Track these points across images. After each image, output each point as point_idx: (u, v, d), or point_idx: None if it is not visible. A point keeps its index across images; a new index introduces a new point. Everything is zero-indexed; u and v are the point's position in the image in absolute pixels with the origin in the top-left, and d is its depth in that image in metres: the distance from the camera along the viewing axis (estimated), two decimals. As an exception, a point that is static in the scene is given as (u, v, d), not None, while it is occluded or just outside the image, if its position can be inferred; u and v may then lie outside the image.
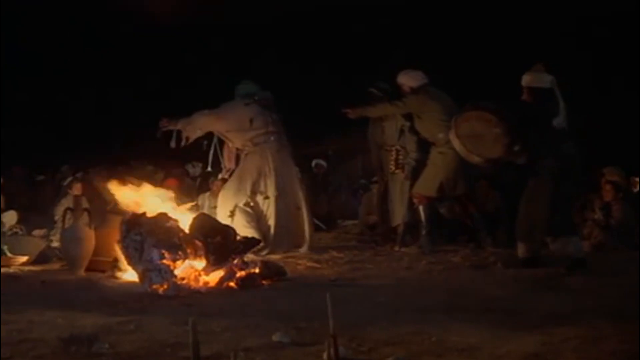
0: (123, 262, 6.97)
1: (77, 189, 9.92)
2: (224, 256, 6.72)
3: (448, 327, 4.89)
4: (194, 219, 7.07)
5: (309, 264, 7.91)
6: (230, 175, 9.23)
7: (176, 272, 6.52)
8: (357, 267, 7.74)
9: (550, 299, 5.88)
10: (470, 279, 6.88)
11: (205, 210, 9.43)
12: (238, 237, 7.10)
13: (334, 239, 10.32)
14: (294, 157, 9.31)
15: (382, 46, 15.04)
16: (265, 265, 6.96)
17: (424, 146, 8.84)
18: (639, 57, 13.58)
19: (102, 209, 8.77)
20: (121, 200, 7.58)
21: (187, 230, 6.88)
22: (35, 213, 10.48)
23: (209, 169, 9.79)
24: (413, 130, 8.91)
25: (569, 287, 6.38)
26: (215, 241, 6.75)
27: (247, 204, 8.80)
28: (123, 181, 7.77)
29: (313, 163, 13.19)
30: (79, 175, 10.87)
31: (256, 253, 7.84)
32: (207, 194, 10.76)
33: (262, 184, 8.88)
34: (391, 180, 9.20)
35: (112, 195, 7.79)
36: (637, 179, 10.39)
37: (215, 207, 9.35)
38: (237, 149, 9.19)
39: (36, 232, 9.42)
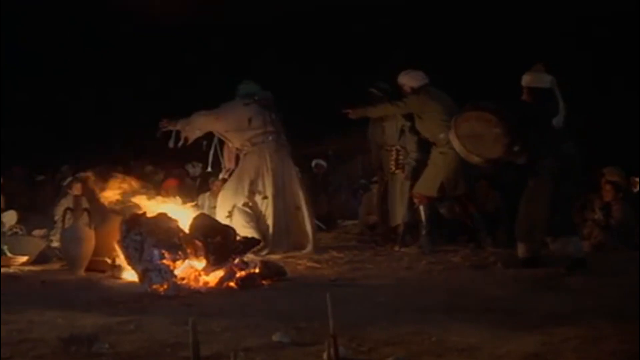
0: (123, 262, 6.97)
1: (77, 189, 9.90)
2: (224, 256, 6.72)
3: (448, 327, 4.89)
4: (194, 219, 7.07)
5: (309, 264, 7.91)
6: (230, 176, 9.23)
7: (176, 272, 6.52)
8: (357, 267, 7.74)
9: (550, 299, 5.88)
10: (470, 279, 6.88)
11: (205, 210, 9.43)
12: (238, 237, 7.10)
13: (334, 239, 10.31)
14: (293, 156, 9.30)
15: (382, 46, 15.04)
16: (265, 265, 6.96)
17: (424, 146, 8.84)
18: (639, 57, 13.58)
19: (102, 208, 8.76)
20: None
21: (187, 230, 6.88)
22: (35, 213, 10.47)
23: (209, 169, 9.79)
24: (413, 131, 8.91)
25: (569, 287, 6.38)
26: (215, 241, 6.75)
27: (245, 204, 8.79)
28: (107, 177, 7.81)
29: (313, 163, 13.19)
30: (79, 175, 10.86)
31: (256, 253, 7.84)
32: (207, 194, 10.77)
33: (260, 184, 8.87)
34: (391, 181, 9.20)
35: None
36: (637, 179, 10.38)
37: (215, 207, 9.35)
38: (237, 149, 9.20)
39: (36, 232, 9.42)
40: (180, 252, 6.63)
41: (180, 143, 8.95)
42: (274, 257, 8.18)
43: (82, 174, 10.29)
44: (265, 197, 8.84)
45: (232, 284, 6.56)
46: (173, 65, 16.05)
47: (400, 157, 9.06)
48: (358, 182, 12.57)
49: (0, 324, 5.11)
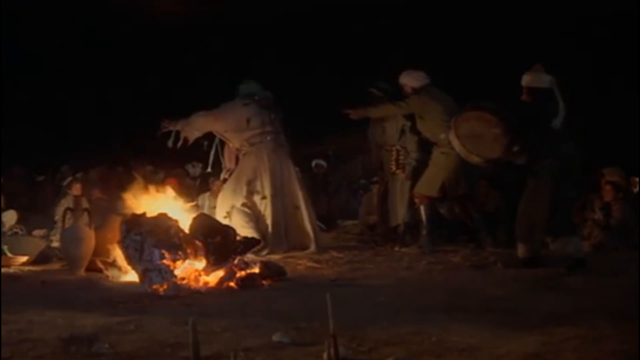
0: (123, 262, 6.97)
1: (77, 189, 9.93)
2: (224, 256, 6.72)
3: (448, 327, 4.89)
4: (194, 219, 7.08)
5: (309, 264, 7.91)
6: (230, 176, 9.23)
7: (176, 272, 6.52)
8: (357, 267, 7.74)
9: (550, 299, 5.88)
10: (470, 279, 6.88)
11: (205, 210, 9.44)
12: (238, 237, 7.10)
13: (334, 239, 10.31)
14: (293, 156, 9.30)
15: (382, 46, 15.04)
16: (265, 265, 6.96)
17: (425, 146, 8.84)
18: (639, 57, 13.58)
19: (102, 208, 8.77)
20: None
21: (187, 230, 6.88)
22: (35, 213, 10.49)
23: (209, 169, 9.79)
24: (414, 131, 8.91)
25: (569, 287, 6.38)
26: (215, 241, 6.75)
27: (244, 205, 8.80)
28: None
29: (313, 163, 13.18)
30: (79, 175, 10.88)
31: (256, 253, 7.84)
32: (207, 194, 10.78)
33: (258, 184, 8.87)
34: (391, 181, 9.20)
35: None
36: (637, 179, 10.39)
37: (215, 207, 9.36)
38: (237, 149, 9.20)
39: (36, 232, 9.42)
40: (180, 252, 6.63)
41: (180, 143, 8.96)
42: (274, 257, 8.18)
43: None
44: (263, 197, 8.84)
45: (232, 284, 6.56)
46: (173, 65, 16.05)
47: (401, 157, 9.06)
48: (358, 182, 12.57)
49: (0, 324, 5.11)
